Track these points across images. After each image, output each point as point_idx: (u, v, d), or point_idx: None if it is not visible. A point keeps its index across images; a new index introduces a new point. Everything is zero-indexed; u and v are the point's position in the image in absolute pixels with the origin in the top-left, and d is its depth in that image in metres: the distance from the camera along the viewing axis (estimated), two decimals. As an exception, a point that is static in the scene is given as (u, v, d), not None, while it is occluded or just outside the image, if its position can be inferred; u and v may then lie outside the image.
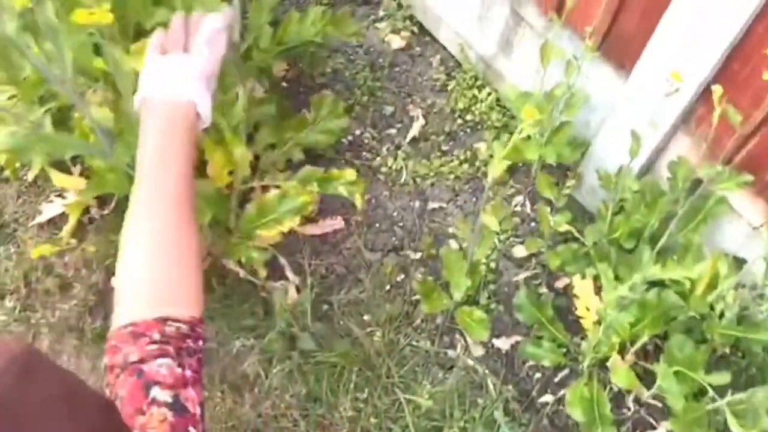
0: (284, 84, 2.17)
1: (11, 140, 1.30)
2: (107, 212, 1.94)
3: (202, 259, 1.72)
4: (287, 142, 1.66)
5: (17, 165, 1.93)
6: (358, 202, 1.63)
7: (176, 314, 0.78)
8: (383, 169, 2.07)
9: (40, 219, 1.94)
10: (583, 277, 1.66)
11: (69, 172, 1.86)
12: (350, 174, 1.63)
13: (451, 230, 1.97)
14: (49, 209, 1.94)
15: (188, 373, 0.75)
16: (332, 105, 1.70)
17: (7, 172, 1.95)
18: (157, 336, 0.76)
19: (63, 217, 1.93)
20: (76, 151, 1.42)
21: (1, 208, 1.98)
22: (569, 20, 1.61)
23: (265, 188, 1.72)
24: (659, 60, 1.53)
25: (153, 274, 0.81)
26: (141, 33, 1.40)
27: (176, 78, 0.89)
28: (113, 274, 1.82)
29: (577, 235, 1.91)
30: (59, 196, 1.96)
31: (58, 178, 1.80)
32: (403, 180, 2.06)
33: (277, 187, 1.60)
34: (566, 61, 1.65)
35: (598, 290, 1.64)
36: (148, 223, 0.83)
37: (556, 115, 1.78)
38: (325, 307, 1.85)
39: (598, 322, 1.60)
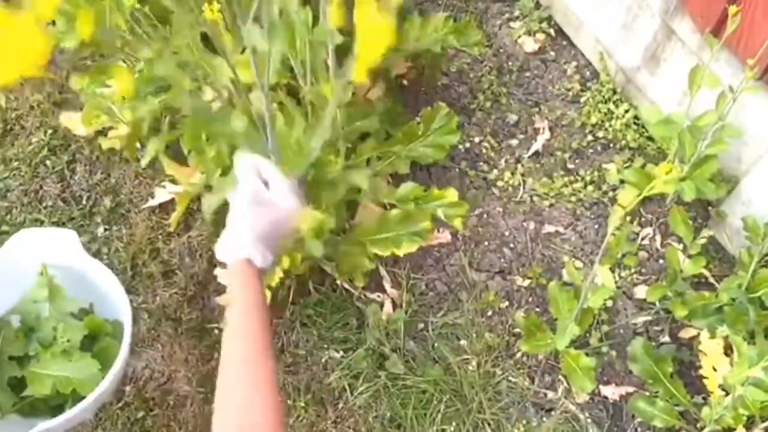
0: (405, 83, 2.06)
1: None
2: (216, 202, 1.92)
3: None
4: (392, 155, 1.55)
5: (137, 146, 1.96)
6: (459, 226, 1.50)
7: None
8: (499, 183, 1.92)
9: (152, 203, 1.96)
10: (713, 336, 1.45)
11: (185, 159, 1.85)
12: (451, 194, 1.50)
13: (566, 259, 1.80)
14: (161, 194, 1.95)
15: None
16: (445, 119, 1.57)
17: (125, 153, 1.99)
18: None
19: (174, 202, 1.93)
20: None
21: (119, 187, 2.01)
22: (728, 42, 1.39)
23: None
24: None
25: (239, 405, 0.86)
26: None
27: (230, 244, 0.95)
28: (215, 265, 1.82)
29: (712, 280, 1.70)
30: (172, 181, 1.97)
31: (170, 166, 1.80)
32: (519, 197, 1.90)
33: (385, 206, 1.50)
34: (720, 89, 1.43)
35: (728, 348, 1.44)
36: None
37: (701, 147, 1.56)
38: (421, 326, 1.75)
39: (724, 389, 1.41)
